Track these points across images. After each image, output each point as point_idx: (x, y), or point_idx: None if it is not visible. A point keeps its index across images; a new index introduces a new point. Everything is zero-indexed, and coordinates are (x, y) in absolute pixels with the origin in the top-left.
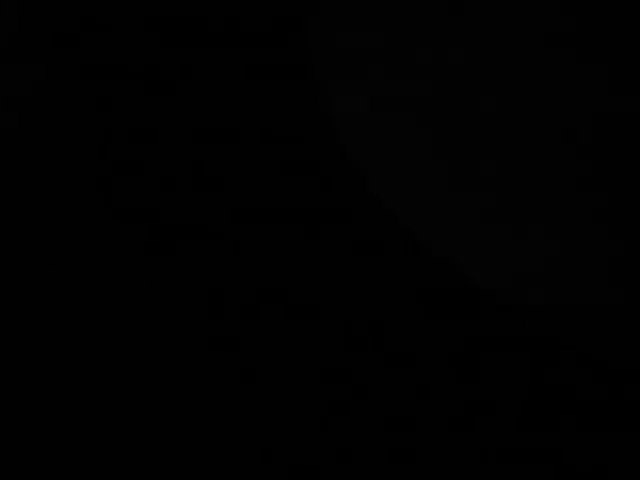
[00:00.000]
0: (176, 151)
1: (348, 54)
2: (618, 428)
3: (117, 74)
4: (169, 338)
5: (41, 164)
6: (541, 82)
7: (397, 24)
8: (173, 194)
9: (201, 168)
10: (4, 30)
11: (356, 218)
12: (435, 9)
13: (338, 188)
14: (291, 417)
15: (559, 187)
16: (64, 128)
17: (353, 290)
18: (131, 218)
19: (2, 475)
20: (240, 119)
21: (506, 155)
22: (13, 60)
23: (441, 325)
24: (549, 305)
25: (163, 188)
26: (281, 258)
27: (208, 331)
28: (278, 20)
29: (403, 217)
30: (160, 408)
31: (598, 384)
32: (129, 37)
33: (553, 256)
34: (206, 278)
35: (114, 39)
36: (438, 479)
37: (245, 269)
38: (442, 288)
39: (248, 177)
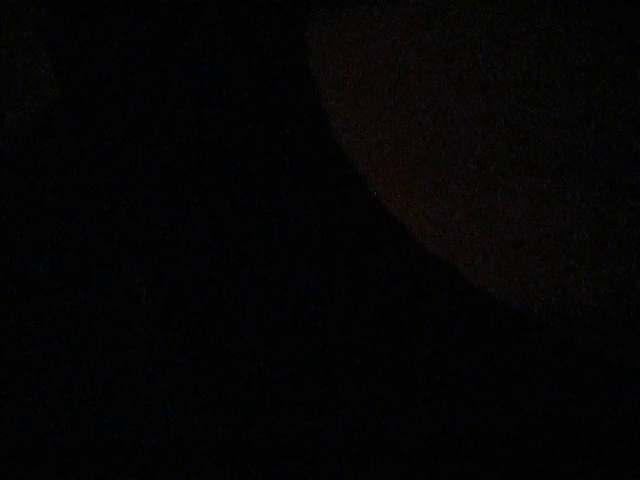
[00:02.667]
0: (174, 150)
1: (347, 53)
2: (619, 427)
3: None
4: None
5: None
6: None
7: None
8: (167, 190)
9: (200, 167)
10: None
11: (356, 218)
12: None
13: (337, 188)
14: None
15: (558, 187)
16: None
17: (352, 289)
18: (131, 218)
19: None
20: (239, 119)
21: (505, 155)
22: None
23: (439, 324)
24: (549, 304)
25: (160, 187)
26: (280, 258)
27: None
28: (278, 20)
29: (402, 217)
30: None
31: (600, 382)
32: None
33: (552, 254)
34: (206, 275)
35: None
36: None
37: (243, 269)
38: (440, 288)
39: (247, 177)
